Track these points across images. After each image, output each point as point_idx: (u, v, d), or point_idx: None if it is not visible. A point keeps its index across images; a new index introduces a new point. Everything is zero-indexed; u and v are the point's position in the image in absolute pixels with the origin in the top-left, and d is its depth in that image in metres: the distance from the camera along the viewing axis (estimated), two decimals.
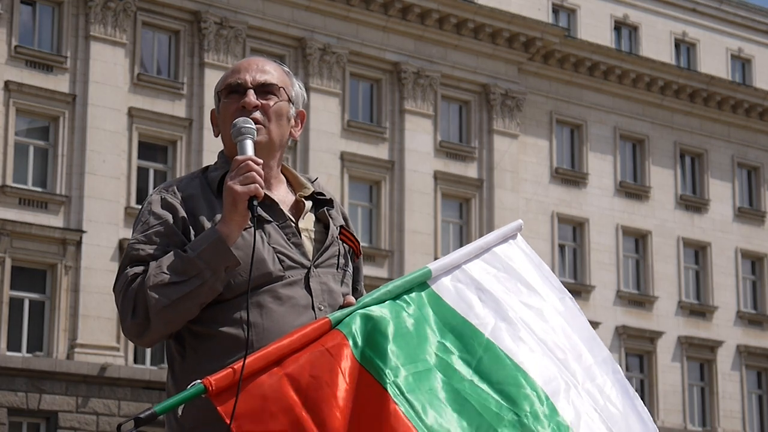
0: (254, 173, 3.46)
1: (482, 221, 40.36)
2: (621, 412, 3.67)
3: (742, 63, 48.49)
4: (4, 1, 33.84)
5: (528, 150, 42.32)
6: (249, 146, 3.57)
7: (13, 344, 32.89)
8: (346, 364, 3.33)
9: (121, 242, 34.04)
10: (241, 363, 3.24)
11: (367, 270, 36.23)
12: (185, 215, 3.56)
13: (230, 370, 3.23)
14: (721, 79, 46.44)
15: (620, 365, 43.20)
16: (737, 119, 47.15)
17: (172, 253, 3.46)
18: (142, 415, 3.18)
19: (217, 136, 3.83)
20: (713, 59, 47.45)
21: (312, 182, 3.82)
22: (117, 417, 33.27)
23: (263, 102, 3.70)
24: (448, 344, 3.49)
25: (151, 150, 35.61)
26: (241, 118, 3.64)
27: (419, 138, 39.67)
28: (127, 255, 3.54)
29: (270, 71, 3.74)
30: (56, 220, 33.56)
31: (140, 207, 3.69)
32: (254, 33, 37.41)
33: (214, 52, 36.35)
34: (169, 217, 3.55)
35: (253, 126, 3.63)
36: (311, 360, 3.30)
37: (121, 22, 35.06)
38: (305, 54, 37.80)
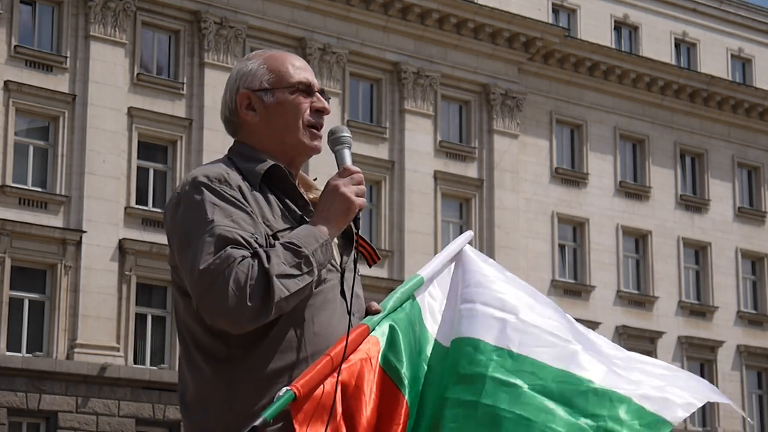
0: (364, 186, 3.57)
1: (482, 221, 40.35)
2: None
3: (742, 63, 48.49)
4: (4, 1, 33.84)
5: (528, 150, 42.32)
6: (348, 156, 3.65)
7: (13, 344, 32.88)
8: (378, 378, 3.43)
9: (121, 242, 34.04)
10: (318, 368, 3.30)
11: (367, 270, 36.18)
12: (251, 209, 3.51)
13: (310, 377, 3.26)
14: (721, 79, 46.44)
15: None
16: (737, 119, 47.15)
17: (280, 245, 3.41)
18: (257, 424, 3.15)
19: (252, 122, 3.68)
20: (713, 59, 47.45)
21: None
22: (117, 417, 33.27)
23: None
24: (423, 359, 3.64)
25: (151, 150, 35.60)
26: (341, 127, 3.70)
27: (419, 138, 39.67)
28: (217, 236, 3.38)
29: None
30: (56, 220, 33.55)
31: (189, 191, 3.48)
32: (254, 33, 37.41)
33: (214, 52, 36.35)
34: (243, 206, 3.48)
35: (350, 135, 3.71)
36: (359, 369, 3.38)
37: (121, 22, 35.06)
38: (305, 54, 37.78)
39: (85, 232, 33.58)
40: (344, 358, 3.32)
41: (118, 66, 34.96)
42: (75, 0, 34.80)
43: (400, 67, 39.65)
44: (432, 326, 3.69)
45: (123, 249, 34.06)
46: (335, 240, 3.64)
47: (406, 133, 39.45)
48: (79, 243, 33.52)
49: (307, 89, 3.70)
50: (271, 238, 3.47)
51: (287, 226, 3.53)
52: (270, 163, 3.61)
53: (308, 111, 3.69)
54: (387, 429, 3.39)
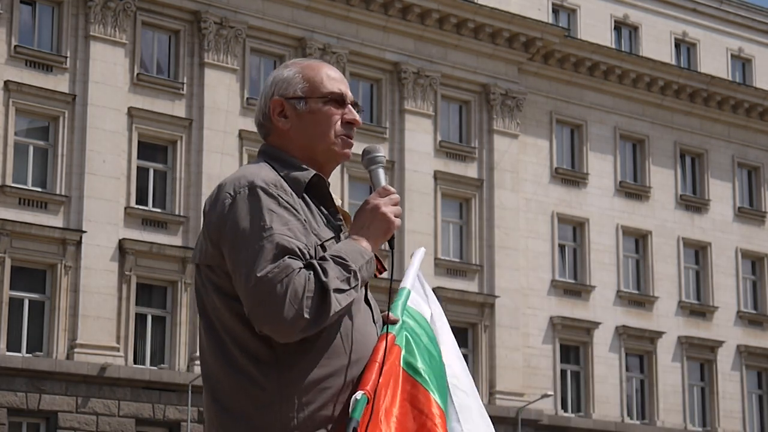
0: (400, 207, 3.66)
1: (482, 221, 40.35)
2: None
3: (742, 63, 48.49)
4: (4, 0, 33.84)
5: (528, 150, 42.32)
6: (383, 175, 3.74)
7: (13, 344, 32.89)
8: (400, 374, 3.53)
9: (120, 242, 34.05)
10: (375, 377, 3.42)
11: None
12: (305, 217, 3.57)
13: (372, 383, 3.39)
14: (721, 79, 46.44)
15: (620, 365, 42.99)
16: (737, 119, 47.15)
17: (331, 259, 3.47)
18: (352, 427, 3.29)
19: (283, 129, 3.73)
20: (713, 59, 47.45)
21: None
22: (117, 417, 33.27)
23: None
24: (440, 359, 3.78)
25: (151, 150, 35.60)
26: (375, 146, 3.76)
27: (419, 138, 39.67)
28: (276, 244, 3.42)
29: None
30: (56, 220, 33.55)
31: (247, 194, 3.50)
32: (254, 33, 37.41)
33: (214, 52, 36.35)
34: (298, 215, 3.54)
35: (384, 155, 3.79)
36: (388, 378, 3.47)
37: (121, 22, 35.06)
38: (305, 54, 37.79)
39: (85, 232, 33.58)
40: (384, 363, 3.43)
41: (118, 66, 34.96)
42: (75, 0, 34.80)
43: (400, 67, 39.65)
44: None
45: (123, 249, 34.06)
46: None
47: (406, 133, 39.45)
48: (79, 243, 33.52)
49: (339, 100, 3.74)
50: (319, 248, 3.53)
51: (332, 235, 3.60)
52: (312, 172, 3.66)
53: (339, 122, 3.73)
54: (419, 423, 3.48)
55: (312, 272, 3.40)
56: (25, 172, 33.80)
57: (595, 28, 44.89)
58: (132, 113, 35.06)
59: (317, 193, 3.66)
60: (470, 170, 40.73)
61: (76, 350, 33.06)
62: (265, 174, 3.56)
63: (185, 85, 36.06)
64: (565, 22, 44.22)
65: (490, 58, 41.58)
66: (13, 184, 33.33)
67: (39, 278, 33.48)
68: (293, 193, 3.57)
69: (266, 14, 37.55)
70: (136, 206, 34.72)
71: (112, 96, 34.70)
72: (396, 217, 3.61)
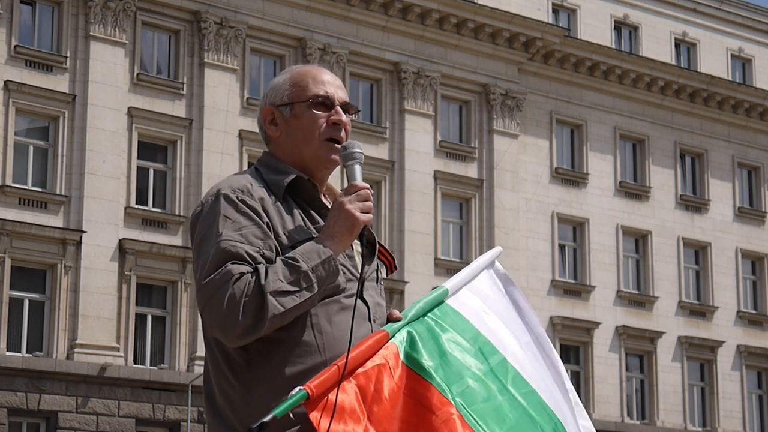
0: (371, 203, 3.61)
1: (482, 221, 40.35)
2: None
3: (742, 63, 48.48)
4: (4, 1, 33.84)
5: (528, 150, 42.32)
6: (359, 172, 3.71)
7: (13, 344, 32.88)
8: (403, 377, 3.48)
9: (121, 242, 34.05)
10: (335, 368, 3.35)
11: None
12: (267, 221, 3.59)
13: (323, 378, 3.31)
14: (721, 79, 46.43)
15: (620, 365, 43.00)
16: (737, 119, 47.15)
17: (281, 260, 3.49)
18: (266, 419, 3.20)
19: (274, 136, 3.78)
20: (713, 59, 47.45)
21: None
22: (117, 417, 33.27)
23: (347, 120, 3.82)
24: (479, 359, 3.69)
25: (151, 150, 35.60)
26: (352, 142, 3.73)
27: (419, 138, 39.67)
28: (222, 250, 3.47)
29: (344, 88, 3.85)
30: (56, 220, 33.55)
31: (212, 203, 3.59)
32: (254, 33, 37.41)
33: (214, 52, 36.35)
34: (258, 219, 3.56)
35: (362, 151, 3.75)
36: (376, 373, 3.42)
37: (121, 22, 35.06)
38: (305, 54, 37.79)
39: (85, 232, 33.58)
40: (347, 359, 3.36)
41: (118, 66, 34.96)
42: (75, 0, 34.80)
43: (400, 67, 39.65)
44: (481, 326, 3.76)
45: (123, 249, 34.07)
46: (357, 249, 3.72)
47: (406, 133, 39.45)
48: (79, 243, 33.52)
49: (325, 102, 3.75)
50: (289, 249, 3.55)
51: (308, 237, 3.60)
52: (293, 174, 3.69)
53: (325, 124, 3.74)
54: (425, 418, 3.45)
55: (255, 277, 3.43)
56: (25, 172, 33.79)
57: (595, 28, 44.89)
58: (132, 113, 35.06)
59: (305, 195, 3.69)
60: (470, 170, 40.72)
61: (76, 350, 33.05)
62: (235, 181, 3.62)
63: (185, 85, 36.06)
64: (565, 22, 44.22)
65: (490, 58, 41.58)
66: (13, 184, 33.33)
67: (39, 278, 33.48)
68: (265, 197, 3.60)
69: (266, 14, 37.55)
70: (136, 206, 34.72)
71: (112, 96, 34.70)
72: (364, 212, 3.56)
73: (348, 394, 3.35)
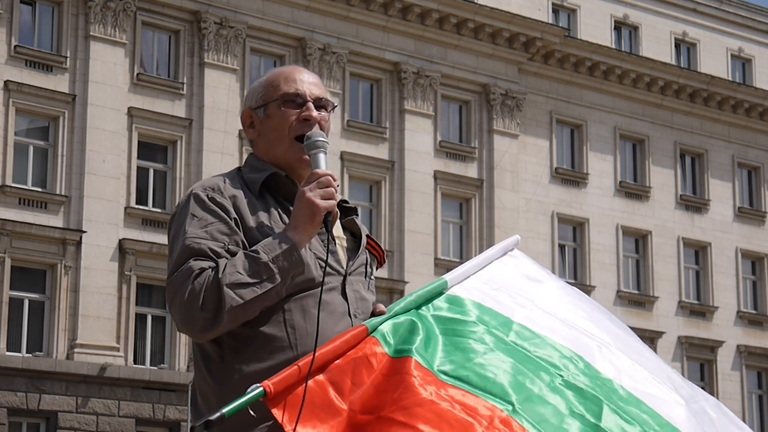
0: (333, 189, 3.56)
1: (482, 221, 40.34)
2: (655, 363, 3.82)
3: (742, 63, 48.49)
4: (4, 1, 33.84)
5: (528, 150, 42.32)
6: (323, 160, 3.66)
7: (13, 344, 32.88)
8: (385, 364, 3.44)
9: (121, 242, 34.05)
10: (297, 367, 3.31)
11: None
12: (235, 216, 3.61)
13: (286, 374, 3.29)
14: (721, 79, 46.44)
15: None
16: (737, 119, 47.16)
17: (242, 253, 3.51)
18: (212, 417, 3.16)
19: (253, 138, 3.82)
20: (713, 59, 47.45)
21: None
22: (117, 417, 33.27)
23: (319, 116, 3.79)
24: (485, 329, 3.64)
25: (151, 150, 35.60)
26: (315, 131, 3.70)
27: (419, 138, 39.67)
28: (186, 248, 3.52)
29: (320, 84, 3.84)
30: (56, 220, 33.55)
31: (183, 203, 3.65)
32: (254, 33, 37.41)
33: (214, 52, 36.35)
34: (225, 216, 3.59)
35: (327, 140, 3.71)
36: (353, 367, 3.39)
37: (121, 22, 35.06)
38: (305, 54, 37.79)
39: (85, 232, 33.58)
40: (314, 354, 3.32)
41: (118, 66, 34.96)
42: (75, 0, 34.80)
43: (400, 67, 39.65)
44: (488, 302, 3.73)
45: (123, 249, 34.06)
46: (343, 243, 3.73)
47: (406, 133, 39.45)
48: (79, 243, 33.52)
49: (295, 100, 3.75)
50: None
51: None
52: (269, 171, 3.72)
53: (295, 121, 3.74)
54: (405, 403, 3.38)
55: (215, 271, 3.46)
56: (25, 172, 33.79)
57: (595, 28, 44.89)
58: (132, 113, 35.06)
59: (282, 191, 3.70)
60: (470, 170, 40.72)
61: (76, 350, 33.05)
62: (209, 180, 3.67)
63: (185, 85, 36.06)
64: (565, 22, 44.22)
65: (490, 58, 41.58)
66: (13, 184, 33.33)
67: (39, 278, 33.48)
68: (238, 194, 3.63)
69: (266, 14, 37.55)
70: (136, 206, 34.72)
71: (112, 96, 34.70)
72: (326, 199, 3.53)
73: (320, 389, 3.31)
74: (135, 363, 34.19)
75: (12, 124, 33.52)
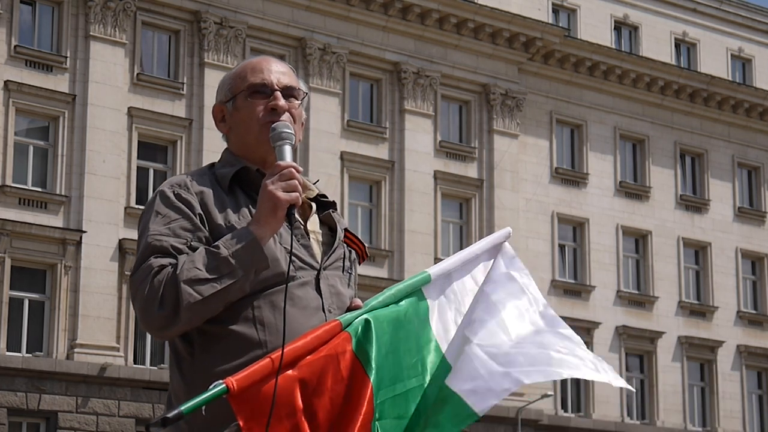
0: (296, 181, 3.48)
1: (482, 221, 40.34)
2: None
3: (742, 63, 48.48)
4: (4, 1, 33.84)
5: (528, 150, 42.32)
6: (288, 152, 3.58)
7: (13, 344, 32.88)
8: (348, 367, 3.40)
9: (121, 242, 34.05)
10: (263, 362, 3.28)
11: (367, 270, 36.21)
12: (201, 212, 3.57)
13: (250, 371, 3.25)
14: (721, 79, 46.44)
15: (620, 365, 42.83)
16: (737, 119, 47.15)
17: (203, 249, 3.46)
18: (169, 415, 3.12)
19: (225, 132, 3.79)
20: (713, 59, 47.45)
21: (314, 184, 3.83)
22: (117, 417, 33.27)
23: (289, 105, 3.72)
24: (416, 367, 3.61)
25: (151, 150, 35.61)
26: (281, 123, 3.63)
27: (419, 138, 39.67)
28: (148, 246, 3.49)
29: (289, 73, 3.77)
30: (56, 220, 33.55)
31: (150, 201, 3.61)
32: (254, 33, 37.41)
33: (214, 52, 36.35)
34: (189, 212, 3.55)
35: (292, 131, 3.63)
36: (323, 365, 3.36)
37: (121, 22, 35.06)
38: (305, 54, 37.80)
39: (85, 232, 33.58)
40: (283, 353, 3.29)
41: (118, 66, 34.96)
42: (75, 0, 34.80)
43: (400, 67, 39.65)
44: (440, 332, 3.69)
45: (123, 249, 34.07)
46: (318, 238, 3.68)
47: (406, 133, 39.45)
48: (79, 243, 33.52)
49: (261, 90, 3.70)
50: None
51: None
52: (238, 166, 3.68)
53: (263, 111, 3.69)
54: (352, 416, 3.36)
55: (174, 268, 3.42)
56: (25, 172, 33.80)
57: (595, 28, 44.89)
58: (132, 113, 35.06)
59: (253, 186, 3.64)
60: (470, 170, 40.73)
61: (76, 350, 33.06)
62: (177, 177, 3.65)
63: (185, 85, 36.07)
64: (565, 22, 44.22)
65: (490, 58, 41.58)
66: (13, 184, 33.33)
67: (39, 278, 33.48)
68: (205, 190, 3.60)
69: (266, 14, 37.55)
70: (136, 206, 34.71)
71: (112, 96, 34.70)
72: (288, 192, 3.46)
73: (286, 387, 3.28)
74: (135, 363, 34.19)
75: (12, 124, 33.52)
